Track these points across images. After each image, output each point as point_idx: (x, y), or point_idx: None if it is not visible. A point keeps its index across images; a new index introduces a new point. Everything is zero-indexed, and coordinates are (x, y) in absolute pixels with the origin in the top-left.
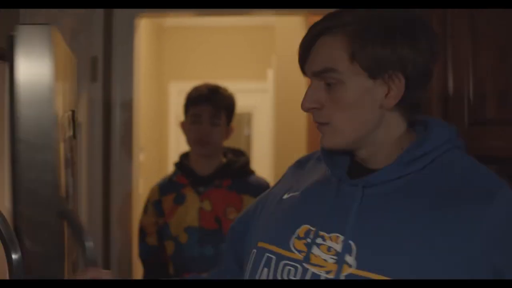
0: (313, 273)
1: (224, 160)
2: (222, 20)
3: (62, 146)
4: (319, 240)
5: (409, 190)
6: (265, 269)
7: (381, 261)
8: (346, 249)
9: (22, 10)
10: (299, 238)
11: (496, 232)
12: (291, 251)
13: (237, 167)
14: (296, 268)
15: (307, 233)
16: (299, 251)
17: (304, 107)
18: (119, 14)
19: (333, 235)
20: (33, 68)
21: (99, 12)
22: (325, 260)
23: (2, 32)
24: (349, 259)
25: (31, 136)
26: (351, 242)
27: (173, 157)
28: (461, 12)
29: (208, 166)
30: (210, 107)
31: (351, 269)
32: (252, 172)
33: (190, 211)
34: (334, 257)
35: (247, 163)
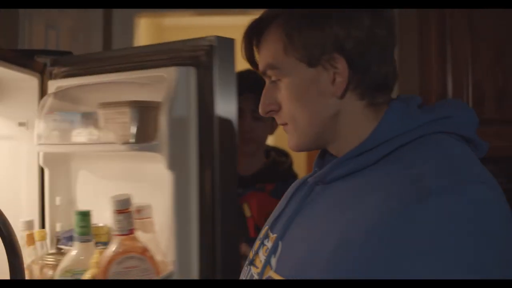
0: (251, 274)
1: (266, 159)
2: (221, 20)
3: None
4: (266, 241)
5: (355, 188)
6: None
7: (294, 265)
8: (273, 250)
9: (21, 10)
10: (259, 239)
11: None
12: (252, 252)
13: (282, 170)
14: (247, 268)
15: (265, 234)
16: (254, 253)
17: (261, 112)
18: (118, 14)
19: (273, 235)
20: (223, 75)
21: (98, 12)
22: (261, 261)
23: (2, 31)
24: (273, 260)
25: (224, 131)
26: (280, 242)
27: None
28: (460, 13)
29: (250, 166)
30: (253, 98)
31: (271, 272)
32: (296, 176)
33: None
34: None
35: (291, 165)
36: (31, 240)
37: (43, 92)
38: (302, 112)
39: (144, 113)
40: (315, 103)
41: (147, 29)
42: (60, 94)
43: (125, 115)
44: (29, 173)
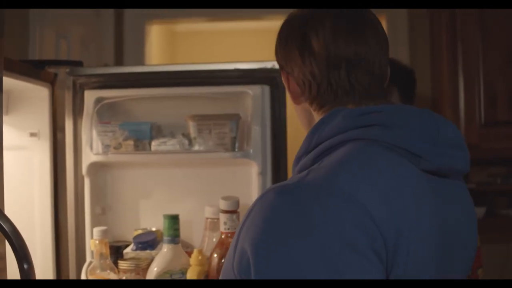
0: None
1: None
2: (233, 25)
3: None
4: None
5: None
6: None
7: None
8: None
9: (31, 19)
10: None
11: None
12: None
13: None
14: None
15: None
16: None
17: None
18: (129, 21)
19: None
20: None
21: (109, 20)
22: None
23: (12, 36)
24: None
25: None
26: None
27: None
28: (471, 15)
29: None
30: (395, 91)
31: None
32: None
33: None
34: None
35: None
36: (105, 247)
37: (54, 102)
38: (296, 111)
39: (239, 124)
40: (297, 110)
41: (159, 36)
42: (106, 105)
43: (224, 127)
44: (42, 183)
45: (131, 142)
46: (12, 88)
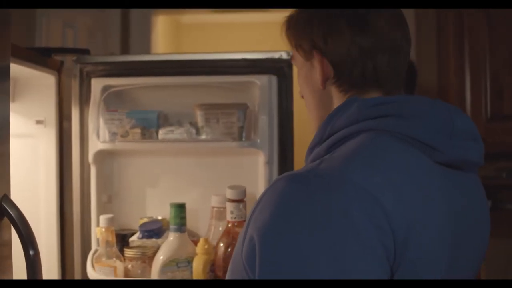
0: None
1: None
2: (239, 17)
3: None
4: None
5: None
6: None
7: None
8: None
9: (39, 9)
10: None
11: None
12: None
13: None
14: None
15: None
16: None
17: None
18: (136, 12)
19: None
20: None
21: (116, 11)
22: None
23: (20, 28)
24: None
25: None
26: None
27: None
28: (478, 9)
29: None
30: None
31: None
32: None
33: None
34: None
35: None
36: (111, 235)
37: (60, 90)
38: (307, 98)
39: (246, 114)
40: (311, 91)
41: (165, 27)
42: (113, 93)
43: (232, 116)
44: (47, 170)
45: (138, 130)
46: (18, 76)
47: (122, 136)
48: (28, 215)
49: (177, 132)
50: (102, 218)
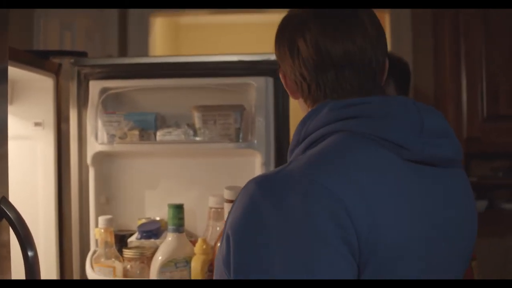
0: None
1: None
2: (238, 18)
3: None
4: None
5: None
6: None
7: None
8: None
9: (36, 10)
10: None
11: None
12: None
13: None
14: None
15: None
16: None
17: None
18: (134, 13)
19: None
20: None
21: (114, 12)
22: None
23: (17, 31)
24: None
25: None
26: None
27: None
28: (474, 10)
29: None
30: (391, 82)
31: None
32: None
33: None
34: None
35: None
36: (110, 236)
37: (58, 92)
38: (298, 103)
39: (243, 115)
40: (299, 103)
41: (163, 28)
42: (110, 95)
43: (229, 117)
44: (46, 172)
45: (136, 132)
46: (16, 78)
47: (120, 138)
48: (27, 217)
49: (175, 134)
50: (101, 219)
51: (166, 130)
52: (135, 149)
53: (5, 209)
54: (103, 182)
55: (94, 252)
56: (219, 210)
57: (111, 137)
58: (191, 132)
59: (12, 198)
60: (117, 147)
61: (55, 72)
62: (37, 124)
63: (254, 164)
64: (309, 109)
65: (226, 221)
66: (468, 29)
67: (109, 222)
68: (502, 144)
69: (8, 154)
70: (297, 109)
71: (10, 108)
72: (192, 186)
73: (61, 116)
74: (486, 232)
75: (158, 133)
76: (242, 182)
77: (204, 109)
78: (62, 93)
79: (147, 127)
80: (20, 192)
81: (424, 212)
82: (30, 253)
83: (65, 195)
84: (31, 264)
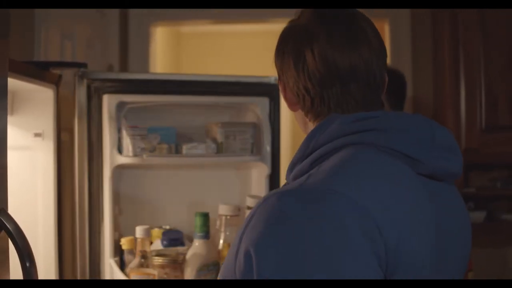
0: None
1: None
2: (238, 27)
3: None
4: None
5: None
6: None
7: None
8: None
9: (37, 19)
10: None
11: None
12: None
13: None
14: None
15: None
16: None
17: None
18: (134, 23)
19: None
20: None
21: (114, 21)
22: None
23: (17, 37)
24: None
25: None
26: None
27: None
28: (473, 20)
29: None
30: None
31: None
32: None
33: None
34: None
35: None
36: (148, 245)
37: (58, 103)
38: (294, 115)
39: (256, 131)
40: (296, 116)
41: (164, 37)
42: (126, 109)
43: (246, 133)
44: (45, 182)
45: (165, 146)
46: (17, 89)
47: (150, 151)
48: (26, 227)
49: (200, 148)
50: (139, 229)
51: (191, 144)
52: (164, 162)
53: (4, 221)
54: (117, 193)
55: (130, 262)
56: (229, 217)
57: (142, 150)
58: (214, 146)
59: (11, 208)
60: (147, 160)
61: (55, 83)
62: (37, 134)
63: (259, 176)
64: (310, 123)
65: (241, 235)
66: (467, 39)
67: (146, 232)
68: (501, 155)
69: (8, 164)
70: (285, 127)
71: (10, 119)
72: (202, 196)
73: (60, 127)
74: (484, 242)
75: (184, 147)
76: (242, 193)
77: (226, 125)
78: (62, 104)
79: (168, 141)
80: (19, 202)
81: (434, 225)
82: (28, 264)
83: (65, 205)
84: (29, 275)
